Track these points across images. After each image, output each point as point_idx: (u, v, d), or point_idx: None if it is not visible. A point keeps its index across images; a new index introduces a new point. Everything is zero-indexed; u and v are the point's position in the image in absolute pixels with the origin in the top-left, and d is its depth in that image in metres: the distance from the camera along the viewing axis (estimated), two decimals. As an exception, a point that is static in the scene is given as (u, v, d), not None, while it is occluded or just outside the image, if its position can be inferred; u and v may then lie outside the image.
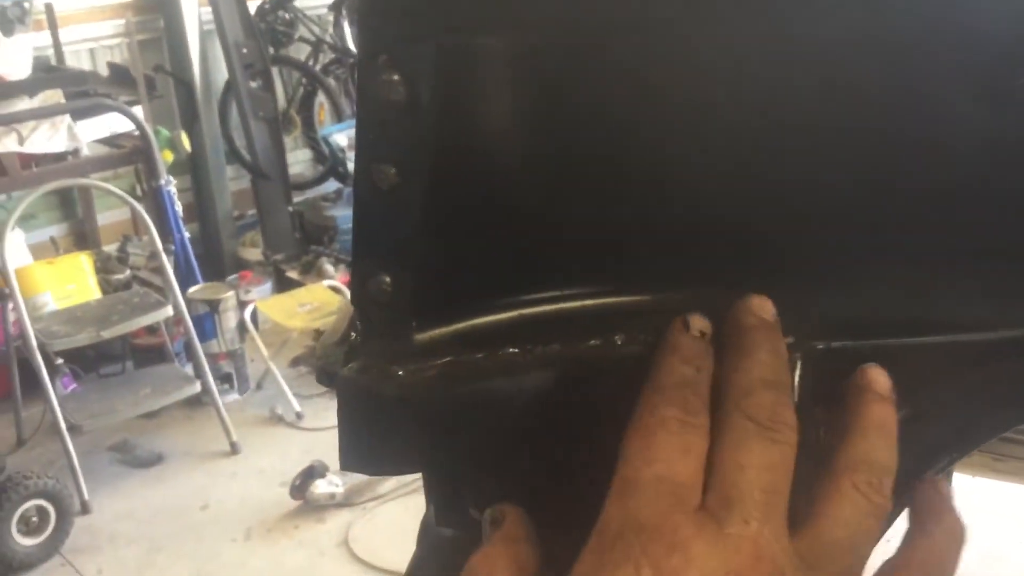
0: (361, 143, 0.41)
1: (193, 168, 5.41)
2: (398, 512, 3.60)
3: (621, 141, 0.40)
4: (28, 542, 3.44)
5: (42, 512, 3.48)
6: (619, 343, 0.43)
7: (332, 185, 6.03)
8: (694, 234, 0.43)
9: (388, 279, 0.42)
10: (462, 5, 0.38)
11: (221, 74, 5.47)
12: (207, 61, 5.40)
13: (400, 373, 0.42)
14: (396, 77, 0.39)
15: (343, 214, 5.42)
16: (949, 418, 0.47)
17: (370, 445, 0.43)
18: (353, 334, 0.44)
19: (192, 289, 4.24)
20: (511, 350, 0.43)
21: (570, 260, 0.44)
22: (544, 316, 0.44)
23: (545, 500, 0.42)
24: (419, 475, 0.47)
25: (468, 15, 0.38)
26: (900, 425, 0.42)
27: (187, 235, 4.37)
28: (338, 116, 5.90)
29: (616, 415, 0.42)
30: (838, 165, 0.41)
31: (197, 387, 4.03)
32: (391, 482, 3.72)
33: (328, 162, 5.88)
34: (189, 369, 4.21)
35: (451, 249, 0.42)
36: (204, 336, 4.18)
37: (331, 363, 0.44)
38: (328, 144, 5.57)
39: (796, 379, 0.42)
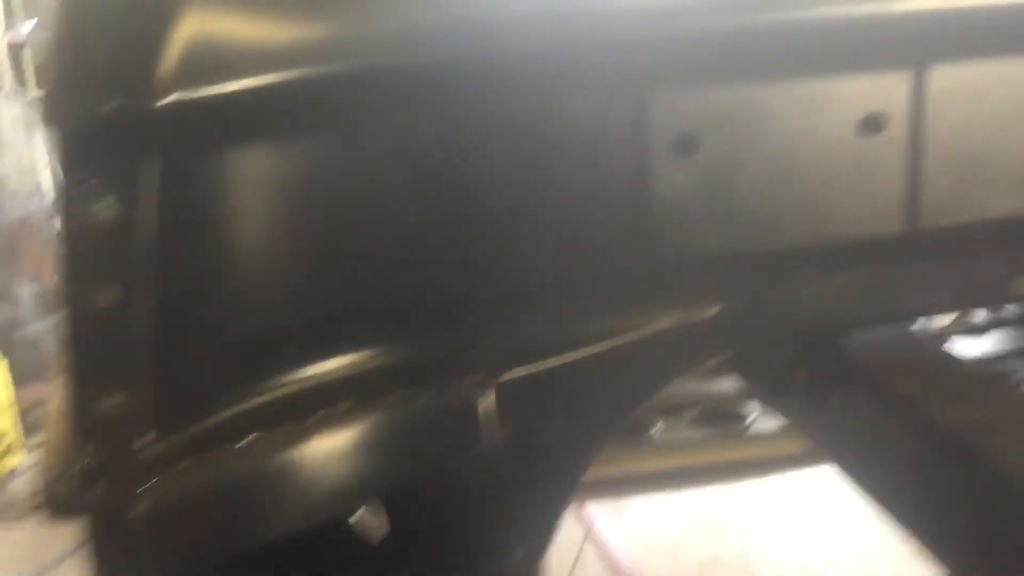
0: (70, 262, 0.40)
1: None
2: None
3: (331, 230, 0.45)
4: None
5: None
6: (343, 411, 0.47)
7: None
8: (402, 299, 0.48)
9: (121, 396, 0.41)
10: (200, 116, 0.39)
11: None
12: None
13: (148, 487, 0.42)
14: (111, 198, 0.39)
15: None
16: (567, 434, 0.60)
17: (131, 566, 0.42)
18: (85, 458, 0.42)
19: None
20: (249, 439, 0.45)
21: (298, 340, 0.47)
22: (287, 395, 0.46)
23: None
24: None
25: (200, 129, 0.39)
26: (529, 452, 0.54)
27: None
28: None
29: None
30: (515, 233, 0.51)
31: None
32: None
33: None
34: None
35: (186, 355, 0.43)
36: None
37: (70, 494, 0.42)
38: None
39: (483, 412, 0.50)
